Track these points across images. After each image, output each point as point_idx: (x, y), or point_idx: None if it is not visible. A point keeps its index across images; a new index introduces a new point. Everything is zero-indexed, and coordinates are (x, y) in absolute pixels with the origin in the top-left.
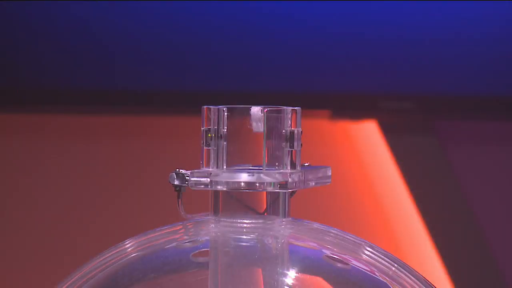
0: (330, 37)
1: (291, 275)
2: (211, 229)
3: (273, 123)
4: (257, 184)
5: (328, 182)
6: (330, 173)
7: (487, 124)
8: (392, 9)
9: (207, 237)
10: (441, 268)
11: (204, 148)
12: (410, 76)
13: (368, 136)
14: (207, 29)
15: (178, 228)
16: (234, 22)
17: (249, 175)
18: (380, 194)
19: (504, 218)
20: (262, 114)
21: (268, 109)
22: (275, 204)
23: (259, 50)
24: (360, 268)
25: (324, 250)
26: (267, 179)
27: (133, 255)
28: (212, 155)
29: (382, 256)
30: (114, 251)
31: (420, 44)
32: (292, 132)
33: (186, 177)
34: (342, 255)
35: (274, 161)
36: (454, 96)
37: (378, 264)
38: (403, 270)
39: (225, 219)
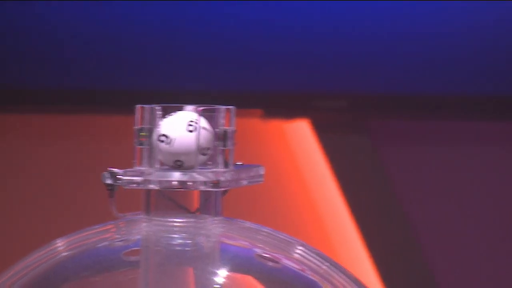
0: (263, 36)
1: (222, 274)
2: (143, 228)
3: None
4: (190, 183)
5: (260, 181)
6: (262, 172)
7: (419, 123)
8: (326, 8)
9: (138, 236)
10: (371, 267)
11: (137, 147)
12: (343, 75)
13: (300, 135)
14: (142, 28)
15: (110, 227)
16: (167, 21)
17: (181, 174)
18: (313, 193)
19: (435, 217)
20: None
21: (202, 108)
22: (207, 203)
23: (192, 49)
24: (291, 267)
25: (255, 249)
26: (200, 177)
27: (65, 254)
28: (145, 154)
29: (314, 255)
30: (45, 250)
31: (352, 43)
32: (225, 131)
33: (119, 176)
34: (274, 254)
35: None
36: (386, 95)
37: (309, 263)
38: (334, 269)
39: (157, 218)
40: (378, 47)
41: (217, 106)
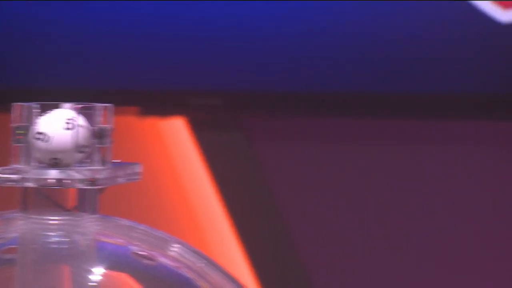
0: (138, 34)
1: (98, 272)
2: (19, 226)
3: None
4: (66, 181)
5: (137, 178)
6: (139, 170)
7: (294, 120)
8: (198, 7)
9: (15, 234)
10: (246, 265)
11: (14, 145)
12: (218, 73)
13: (176, 133)
14: (20, 26)
15: None
16: (44, 19)
17: (58, 172)
18: (188, 191)
19: (311, 215)
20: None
21: (80, 106)
22: (84, 200)
23: (70, 47)
24: (167, 265)
25: (131, 247)
26: (77, 175)
27: None
28: (22, 152)
29: (190, 253)
30: None
31: (225, 40)
32: (102, 129)
33: None
34: (149, 252)
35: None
36: (261, 92)
37: (185, 260)
38: (210, 267)
39: (34, 216)
40: (252, 44)
41: (94, 104)
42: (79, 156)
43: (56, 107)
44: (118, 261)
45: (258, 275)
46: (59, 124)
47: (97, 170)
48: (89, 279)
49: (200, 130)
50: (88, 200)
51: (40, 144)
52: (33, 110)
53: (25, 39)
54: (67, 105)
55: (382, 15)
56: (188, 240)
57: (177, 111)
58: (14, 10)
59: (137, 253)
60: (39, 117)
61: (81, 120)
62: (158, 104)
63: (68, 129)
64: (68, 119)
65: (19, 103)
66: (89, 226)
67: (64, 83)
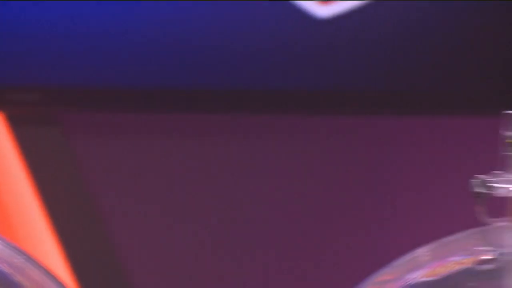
0: None
1: None
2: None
3: None
4: None
5: None
6: None
7: (111, 116)
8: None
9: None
10: (62, 262)
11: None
12: (35, 68)
13: None
14: None
15: None
16: None
17: None
18: (4, 187)
19: (128, 212)
20: None
21: None
22: None
23: None
24: None
25: None
26: None
27: None
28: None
29: (8, 248)
30: None
31: (41, 35)
32: None
33: None
34: None
35: None
36: (78, 87)
37: (2, 255)
38: (29, 261)
39: None
40: (67, 38)
41: None
42: None
43: None
44: None
45: (75, 273)
46: None
47: None
48: None
49: (16, 125)
50: None
51: None
52: None
53: None
54: None
55: (212, 14)
56: (3, 235)
57: None
58: None
59: None
60: None
61: None
62: None
63: None
64: None
65: None
66: None
67: None
